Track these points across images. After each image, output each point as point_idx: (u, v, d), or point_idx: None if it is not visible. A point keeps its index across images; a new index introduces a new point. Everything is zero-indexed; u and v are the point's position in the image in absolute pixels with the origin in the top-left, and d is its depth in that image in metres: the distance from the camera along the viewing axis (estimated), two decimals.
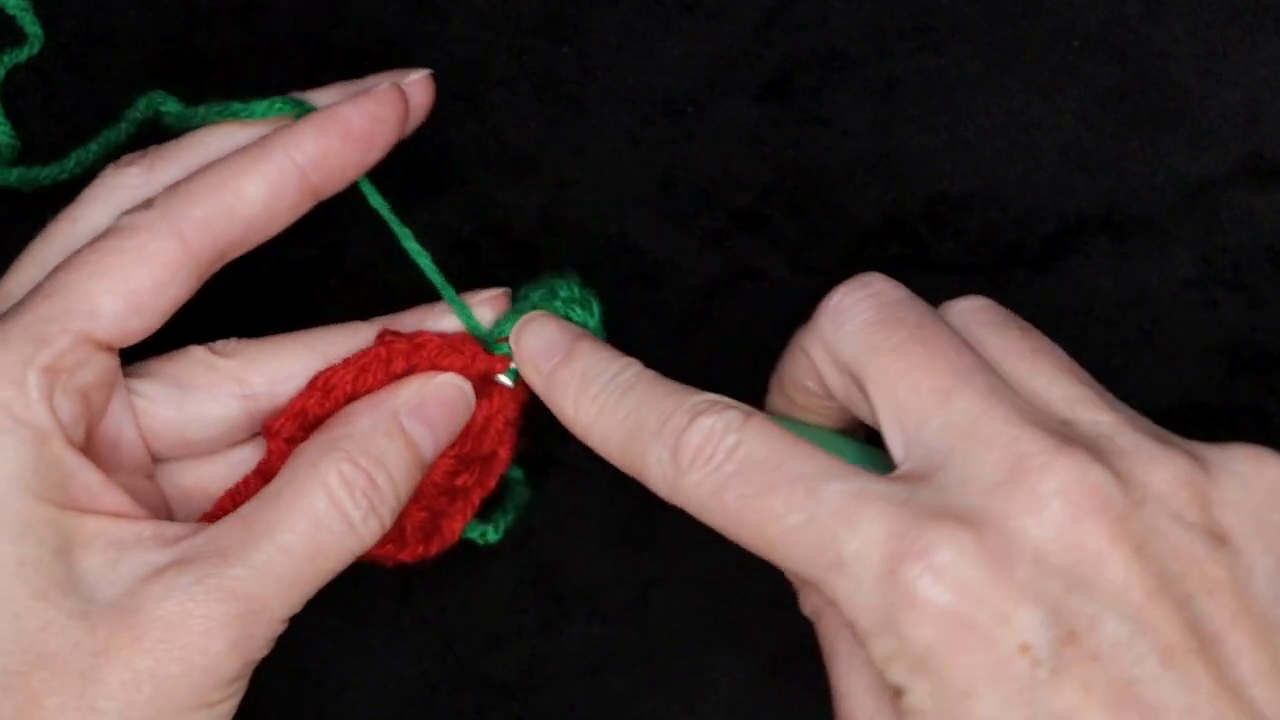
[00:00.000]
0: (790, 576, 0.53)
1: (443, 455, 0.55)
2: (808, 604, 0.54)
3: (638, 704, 0.66)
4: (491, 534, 0.57)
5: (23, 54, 0.62)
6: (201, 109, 0.57)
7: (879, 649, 0.47)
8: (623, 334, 0.56)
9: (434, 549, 0.56)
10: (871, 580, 0.46)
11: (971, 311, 0.53)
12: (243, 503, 0.52)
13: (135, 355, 0.55)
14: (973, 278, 0.63)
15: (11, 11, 0.62)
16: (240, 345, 0.55)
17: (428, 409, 0.53)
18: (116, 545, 0.50)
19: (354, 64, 0.62)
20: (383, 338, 0.54)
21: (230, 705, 0.50)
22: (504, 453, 0.56)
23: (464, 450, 0.55)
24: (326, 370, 0.54)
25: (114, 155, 0.57)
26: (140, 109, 0.59)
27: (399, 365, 0.53)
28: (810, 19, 0.62)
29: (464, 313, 0.56)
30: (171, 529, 0.51)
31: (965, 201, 0.63)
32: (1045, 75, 0.62)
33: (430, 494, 0.55)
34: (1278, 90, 0.62)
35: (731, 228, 0.63)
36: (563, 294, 0.56)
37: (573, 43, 0.63)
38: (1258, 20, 0.62)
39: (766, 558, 0.50)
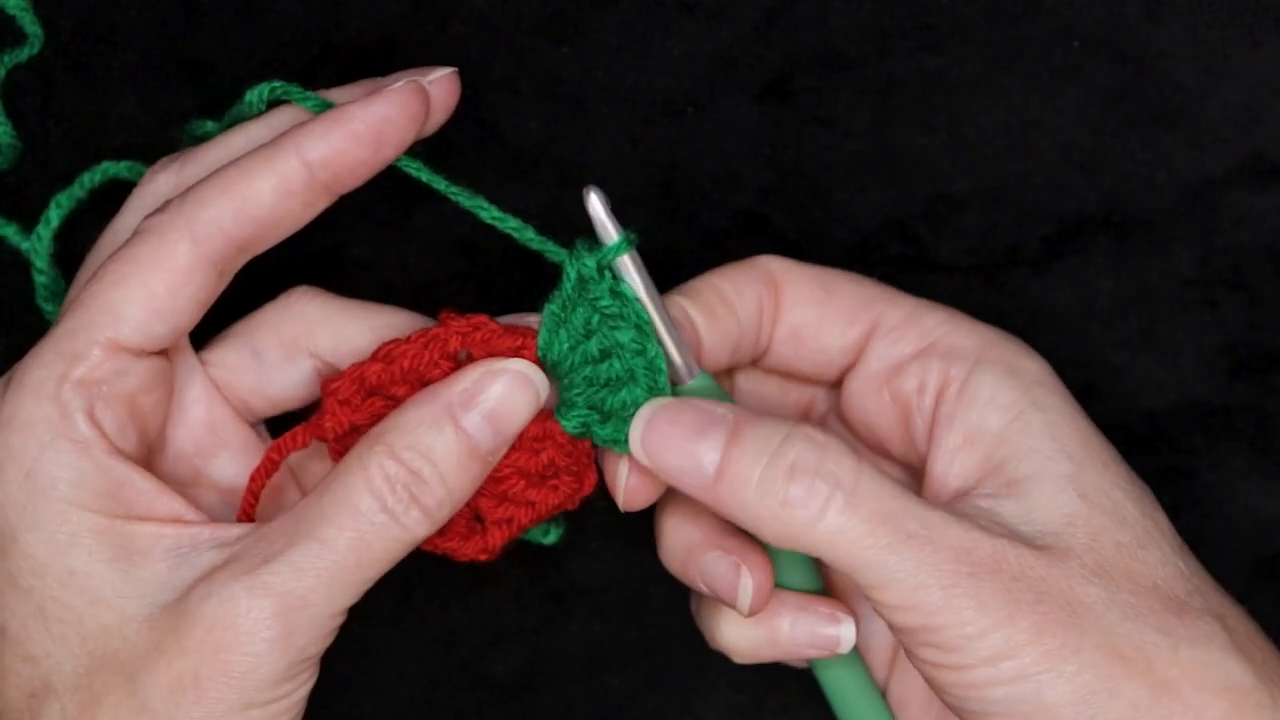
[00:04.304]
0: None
1: (516, 452, 0.55)
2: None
3: (638, 702, 0.66)
4: (554, 532, 0.58)
5: (23, 54, 0.62)
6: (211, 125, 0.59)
7: None
8: None
9: (498, 539, 0.55)
10: None
11: None
12: (286, 453, 0.54)
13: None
14: (973, 278, 0.63)
15: (11, 11, 0.62)
16: (304, 299, 0.57)
17: (484, 399, 0.53)
18: (175, 550, 0.51)
19: (354, 64, 0.62)
20: (442, 317, 0.55)
21: (285, 705, 0.51)
22: (569, 479, 0.55)
23: (522, 462, 0.55)
24: (390, 342, 0.54)
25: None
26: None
27: (454, 344, 0.54)
28: (810, 19, 0.62)
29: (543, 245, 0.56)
30: (229, 531, 0.52)
31: (965, 201, 0.63)
32: (1045, 75, 0.62)
33: (511, 490, 0.55)
34: (1278, 90, 0.62)
35: (731, 228, 0.63)
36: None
37: (573, 43, 0.63)
38: (1258, 20, 0.62)
39: None
